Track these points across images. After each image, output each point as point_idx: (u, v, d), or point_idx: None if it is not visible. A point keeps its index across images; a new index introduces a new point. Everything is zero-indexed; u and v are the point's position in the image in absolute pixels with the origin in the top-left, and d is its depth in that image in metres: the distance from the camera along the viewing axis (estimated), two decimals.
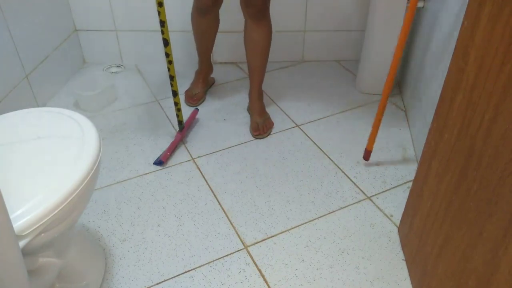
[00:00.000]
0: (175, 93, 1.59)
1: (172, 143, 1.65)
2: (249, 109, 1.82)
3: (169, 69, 1.53)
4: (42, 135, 1.00)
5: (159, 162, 1.58)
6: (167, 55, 1.50)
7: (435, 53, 1.52)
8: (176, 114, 1.65)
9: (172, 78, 1.55)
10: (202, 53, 1.92)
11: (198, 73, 1.98)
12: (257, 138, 1.72)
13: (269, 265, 1.24)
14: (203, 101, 1.95)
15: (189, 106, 1.91)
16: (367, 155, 1.56)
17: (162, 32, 1.44)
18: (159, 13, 1.40)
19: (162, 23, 1.42)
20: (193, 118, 1.79)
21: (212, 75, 2.07)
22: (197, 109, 1.84)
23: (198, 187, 1.49)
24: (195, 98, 1.92)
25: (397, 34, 1.77)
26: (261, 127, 1.73)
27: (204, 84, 1.97)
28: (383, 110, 1.45)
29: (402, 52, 1.35)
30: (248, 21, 1.62)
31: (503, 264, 0.73)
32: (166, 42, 1.46)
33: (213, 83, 2.07)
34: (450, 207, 0.94)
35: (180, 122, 1.67)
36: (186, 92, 1.95)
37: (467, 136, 0.87)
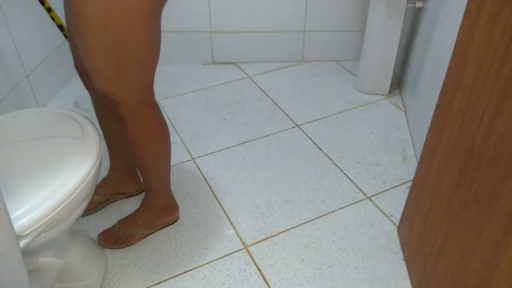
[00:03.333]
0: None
1: None
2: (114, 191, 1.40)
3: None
4: (43, 135, 1.00)
5: None
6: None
7: (435, 53, 1.52)
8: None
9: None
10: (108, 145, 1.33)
11: (109, 170, 1.40)
12: (103, 245, 1.28)
13: (269, 265, 1.24)
14: (94, 212, 1.39)
15: None
16: None
17: (66, 37, 1.37)
18: (53, 19, 1.34)
19: (61, 28, 1.36)
20: None
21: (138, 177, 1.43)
22: None
23: (198, 187, 1.49)
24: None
25: (397, 34, 1.78)
26: (119, 236, 1.28)
27: (108, 189, 1.40)
28: None
29: None
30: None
31: (503, 263, 0.73)
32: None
33: (130, 193, 1.44)
34: (450, 207, 0.94)
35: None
36: None
37: (467, 136, 0.87)
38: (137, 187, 1.44)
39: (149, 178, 1.21)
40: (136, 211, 1.32)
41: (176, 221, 1.36)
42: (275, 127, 1.77)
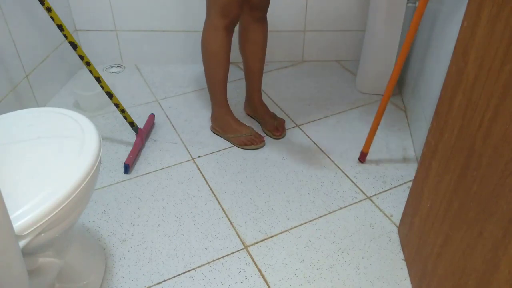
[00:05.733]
0: (110, 95, 1.53)
1: (134, 147, 1.62)
2: (254, 113, 1.79)
3: (91, 71, 1.49)
4: (42, 135, 1.00)
5: (125, 166, 1.54)
6: (82, 57, 1.46)
7: (435, 53, 1.52)
8: (123, 117, 1.61)
9: (98, 79, 1.51)
10: (225, 84, 1.64)
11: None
12: (278, 138, 1.70)
13: (269, 265, 1.24)
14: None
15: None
16: (362, 157, 1.57)
17: (66, 36, 1.40)
18: (52, 18, 1.36)
19: (60, 27, 1.39)
20: (150, 123, 1.75)
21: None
22: (153, 114, 1.79)
23: (198, 187, 1.49)
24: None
25: (397, 34, 1.78)
26: (280, 127, 1.71)
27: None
28: (382, 113, 1.44)
29: (407, 54, 1.34)
30: (250, 24, 1.57)
31: (503, 264, 0.73)
32: (74, 46, 1.43)
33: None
34: (450, 207, 0.94)
35: (131, 124, 1.62)
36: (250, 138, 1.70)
37: (467, 136, 0.87)
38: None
39: (262, 76, 1.74)
40: (261, 107, 1.78)
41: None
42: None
